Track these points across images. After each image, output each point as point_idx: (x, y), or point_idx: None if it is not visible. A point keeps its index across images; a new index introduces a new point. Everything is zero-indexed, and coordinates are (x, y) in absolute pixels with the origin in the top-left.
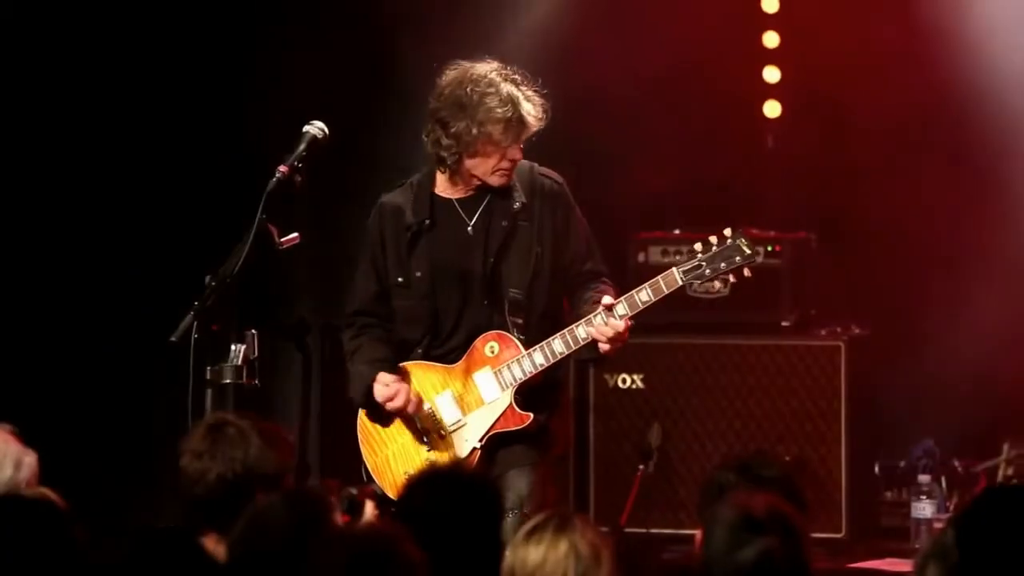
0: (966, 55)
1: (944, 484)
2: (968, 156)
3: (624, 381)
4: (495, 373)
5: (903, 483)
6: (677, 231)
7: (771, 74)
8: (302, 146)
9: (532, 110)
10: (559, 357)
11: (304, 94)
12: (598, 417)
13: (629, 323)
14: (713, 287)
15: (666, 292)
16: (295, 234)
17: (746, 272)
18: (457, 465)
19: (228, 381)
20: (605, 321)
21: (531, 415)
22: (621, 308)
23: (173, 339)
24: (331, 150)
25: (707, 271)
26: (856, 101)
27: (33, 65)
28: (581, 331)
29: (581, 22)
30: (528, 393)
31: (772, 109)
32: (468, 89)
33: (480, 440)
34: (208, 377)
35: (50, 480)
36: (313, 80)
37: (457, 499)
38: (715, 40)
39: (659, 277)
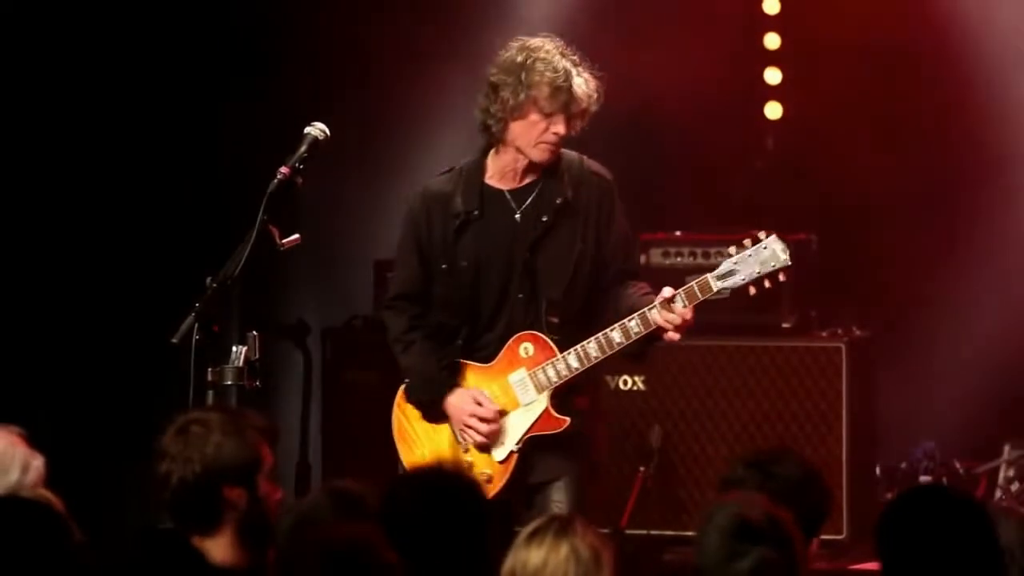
0: (968, 53)
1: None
2: (971, 155)
3: (625, 383)
4: (530, 375)
5: (904, 485)
6: (678, 233)
7: (772, 75)
8: (303, 147)
9: (583, 85)
10: (594, 361)
11: (305, 95)
12: None
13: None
14: (749, 292)
15: (700, 299)
16: (296, 235)
17: (781, 277)
18: (441, 467)
19: (229, 382)
20: (663, 312)
21: (568, 419)
22: (655, 312)
23: (174, 340)
24: (333, 151)
25: (741, 276)
26: (857, 102)
27: (35, 67)
28: (633, 324)
29: (579, 24)
30: (563, 395)
31: (773, 110)
32: (524, 55)
33: (517, 443)
34: (209, 378)
35: (52, 481)
36: (314, 81)
37: (440, 502)
38: (716, 42)
39: (693, 283)
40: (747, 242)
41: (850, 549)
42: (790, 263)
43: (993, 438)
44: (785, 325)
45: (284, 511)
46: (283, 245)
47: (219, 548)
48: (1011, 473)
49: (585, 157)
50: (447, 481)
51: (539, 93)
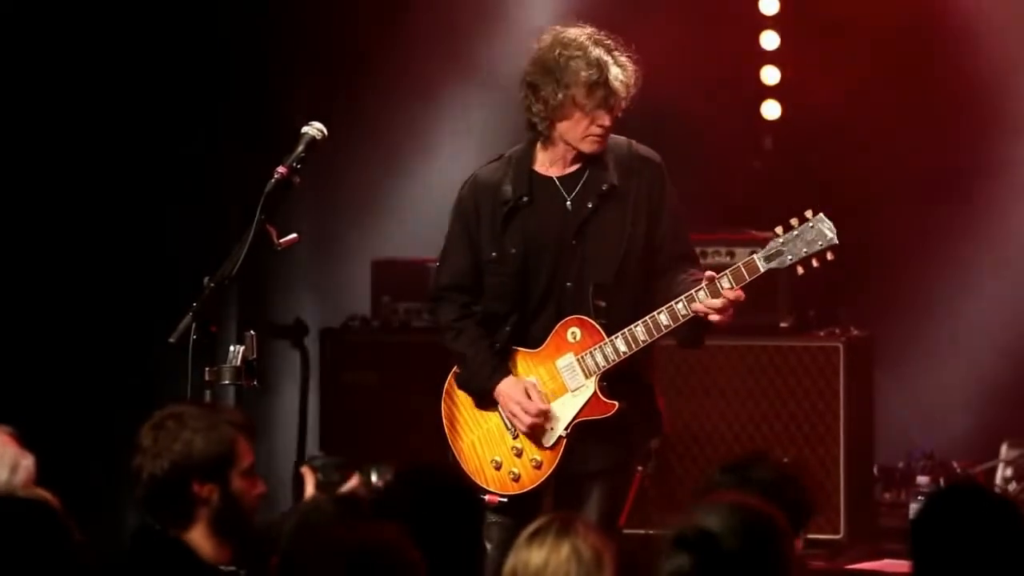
0: (968, 50)
1: (943, 485)
2: (970, 157)
3: None
4: (578, 360)
5: (902, 484)
6: None
7: (770, 75)
8: (300, 147)
9: (620, 75)
10: (642, 344)
11: (303, 95)
12: None
13: (740, 293)
14: (797, 272)
15: (748, 280)
16: (294, 235)
17: (829, 256)
18: (437, 466)
19: (227, 382)
20: (708, 296)
21: (616, 403)
22: (702, 294)
23: (171, 340)
24: (331, 151)
25: (788, 256)
26: (855, 102)
27: (33, 67)
28: (680, 306)
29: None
30: (612, 380)
31: (771, 110)
32: (557, 53)
33: (566, 429)
34: (207, 378)
35: (48, 481)
36: (312, 81)
37: (437, 500)
38: (713, 41)
39: (740, 264)
40: (794, 221)
41: (848, 549)
42: (837, 242)
43: (991, 438)
44: (783, 325)
45: (285, 513)
46: (280, 245)
47: (195, 543)
48: (1009, 473)
49: (633, 141)
50: (442, 481)
51: (577, 92)
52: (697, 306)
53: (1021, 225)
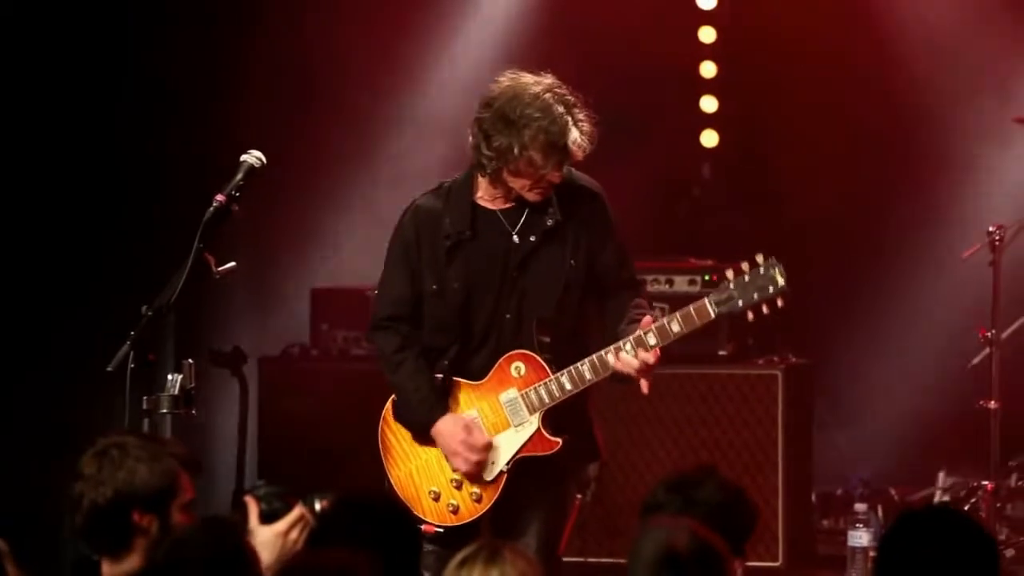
0: (905, 87)
1: (880, 512)
2: (909, 189)
3: None
4: (522, 396)
5: (840, 511)
6: None
7: (708, 103)
8: (239, 175)
9: (578, 138)
10: (587, 383)
11: (244, 123)
12: None
13: (658, 353)
14: (747, 318)
15: (698, 324)
16: (232, 263)
17: (779, 303)
18: (375, 493)
19: (165, 411)
20: (635, 353)
21: (560, 441)
22: (652, 338)
23: (109, 369)
24: (268, 179)
25: (739, 302)
26: (793, 131)
27: None
28: (610, 357)
29: (521, 49)
30: (553, 412)
31: (709, 138)
32: (518, 109)
33: (507, 464)
34: (145, 407)
35: None
36: (252, 110)
37: (374, 528)
38: (653, 69)
39: (690, 307)
40: (744, 266)
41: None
42: (787, 289)
43: (928, 465)
44: (722, 352)
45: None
46: (219, 273)
47: (128, 573)
48: (946, 500)
49: (572, 170)
50: (379, 509)
51: (534, 154)
52: (618, 363)
53: (956, 255)
